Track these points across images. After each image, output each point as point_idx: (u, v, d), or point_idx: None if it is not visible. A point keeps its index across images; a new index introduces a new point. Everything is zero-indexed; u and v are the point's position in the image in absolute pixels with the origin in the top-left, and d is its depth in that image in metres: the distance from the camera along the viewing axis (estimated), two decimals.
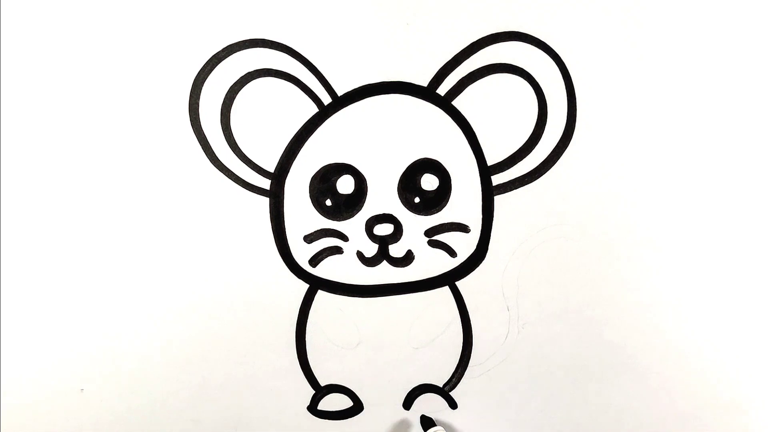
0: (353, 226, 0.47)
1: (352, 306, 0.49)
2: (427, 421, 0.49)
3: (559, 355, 0.50)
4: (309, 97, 0.45)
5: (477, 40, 0.45)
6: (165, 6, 0.43)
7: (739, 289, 0.48)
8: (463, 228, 0.47)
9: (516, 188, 0.47)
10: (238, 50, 0.44)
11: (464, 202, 0.47)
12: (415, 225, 0.47)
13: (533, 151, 0.46)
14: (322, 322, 0.48)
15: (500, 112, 0.46)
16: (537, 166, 0.46)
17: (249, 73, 0.44)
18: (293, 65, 0.44)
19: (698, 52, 0.45)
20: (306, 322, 0.48)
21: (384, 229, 0.47)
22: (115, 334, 0.47)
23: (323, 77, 0.45)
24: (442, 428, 0.49)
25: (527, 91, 0.45)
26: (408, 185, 0.46)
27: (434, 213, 0.47)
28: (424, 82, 0.45)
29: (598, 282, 0.48)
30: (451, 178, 0.47)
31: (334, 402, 0.50)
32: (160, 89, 0.44)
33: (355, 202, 0.46)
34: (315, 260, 0.47)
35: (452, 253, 0.48)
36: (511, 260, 0.48)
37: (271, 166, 0.46)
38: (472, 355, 0.50)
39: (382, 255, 0.47)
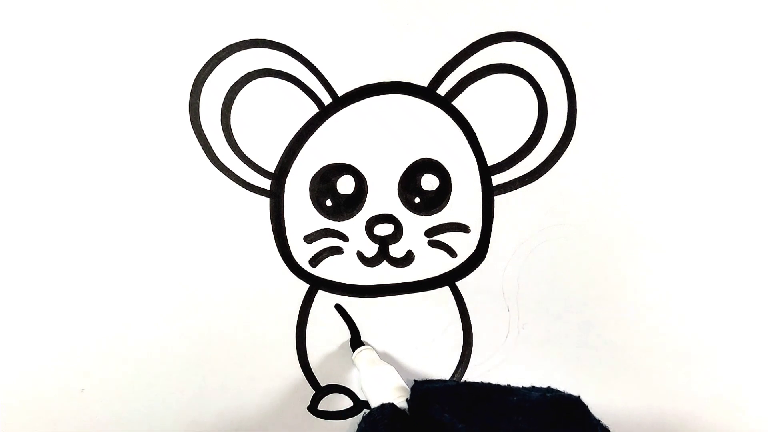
0: (353, 226, 0.47)
1: (352, 306, 0.49)
2: (355, 343, 0.49)
3: (559, 355, 0.50)
4: (309, 97, 0.45)
5: (477, 40, 0.45)
6: (165, 6, 0.43)
7: (739, 289, 0.49)
8: (463, 228, 0.47)
9: (516, 188, 0.47)
10: (238, 50, 0.44)
11: (464, 202, 0.47)
12: (415, 225, 0.47)
13: (533, 151, 0.46)
14: (322, 322, 0.48)
15: (500, 112, 0.46)
16: (537, 166, 0.46)
17: (249, 73, 0.44)
18: (293, 65, 0.44)
19: (699, 52, 0.45)
20: (306, 322, 0.48)
21: (384, 229, 0.47)
22: (115, 334, 0.47)
23: (323, 77, 0.45)
24: (369, 347, 0.48)
25: (527, 91, 0.45)
26: (408, 185, 0.46)
27: (434, 213, 0.47)
28: (424, 82, 0.45)
29: (598, 282, 0.48)
30: (451, 178, 0.47)
31: (334, 402, 0.50)
32: (160, 89, 0.44)
33: (355, 202, 0.46)
34: (315, 260, 0.47)
35: (452, 253, 0.48)
36: (511, 260, 0.48)
37: (271, 166, 0.46)
38: (472, 355, 0.50)
39: (383, 255, 0.47)
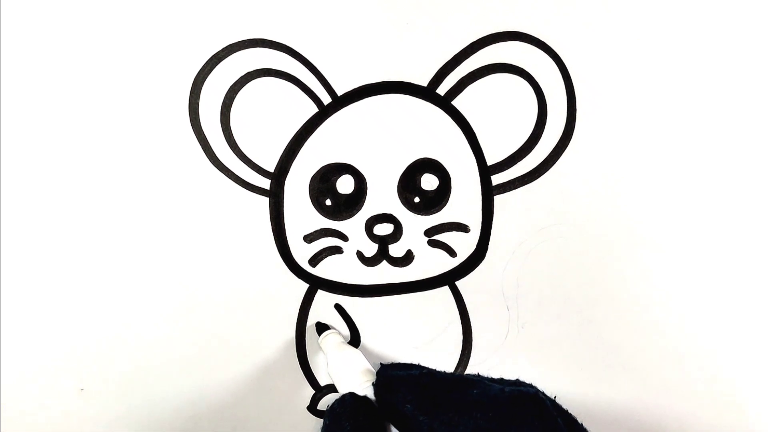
0: (353, 226, 0.47)
1: (352, 306, 0.49)
2: (321, 327, 0.48)
3: (559, 355, 0.50)
4: (308, 96, 0.45)
5: (477, 40, 0.45)
6: (165, 6, 0.43)
7: (739, 289, 0.48)
8: (463, 228, 0.47)
9: (516, 188, 0.47)
10: (238, 50, 0.44)
11: (464, 202, 0.47)
12: (414, 225, 0.47)
13: (533, 151, 0.46)
14: (322, 321, 0.48)
15: (500, 112, 0.46)
16: (537, 166, 0.46)
17: (249, 73, 0.44)
18: (293, 65, 0.44)
19: (699, 52, 0.45)
20: (306, 321, 0.48)
21: (384, 229, 0.47)
22: (114, 334, 0.47)
23: (323, 77, 0.45)
24: (335, 330, 0.48)
25: (527, 90, 0.45)
26: (408, 185, 0.46)
27: (434, 213, 0.47)
28: (424, 82, 0.45)
29: (598, 282, 0.48)
30: (451, 178, 0.47)
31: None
32: (160, 89, 0.44)
33: (354, 201, 0.46)
34: (315, 260, 0.47)
35: (452, 252, 0.48)
36: (510, 260, 0.48)
37: (271, 166, 0.46)
38: (472, 355, 0.50)
39: (382, 255, 0.47)
